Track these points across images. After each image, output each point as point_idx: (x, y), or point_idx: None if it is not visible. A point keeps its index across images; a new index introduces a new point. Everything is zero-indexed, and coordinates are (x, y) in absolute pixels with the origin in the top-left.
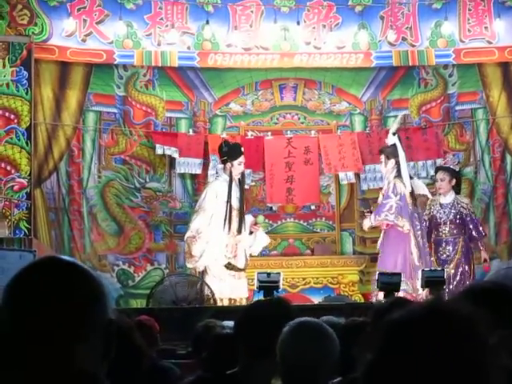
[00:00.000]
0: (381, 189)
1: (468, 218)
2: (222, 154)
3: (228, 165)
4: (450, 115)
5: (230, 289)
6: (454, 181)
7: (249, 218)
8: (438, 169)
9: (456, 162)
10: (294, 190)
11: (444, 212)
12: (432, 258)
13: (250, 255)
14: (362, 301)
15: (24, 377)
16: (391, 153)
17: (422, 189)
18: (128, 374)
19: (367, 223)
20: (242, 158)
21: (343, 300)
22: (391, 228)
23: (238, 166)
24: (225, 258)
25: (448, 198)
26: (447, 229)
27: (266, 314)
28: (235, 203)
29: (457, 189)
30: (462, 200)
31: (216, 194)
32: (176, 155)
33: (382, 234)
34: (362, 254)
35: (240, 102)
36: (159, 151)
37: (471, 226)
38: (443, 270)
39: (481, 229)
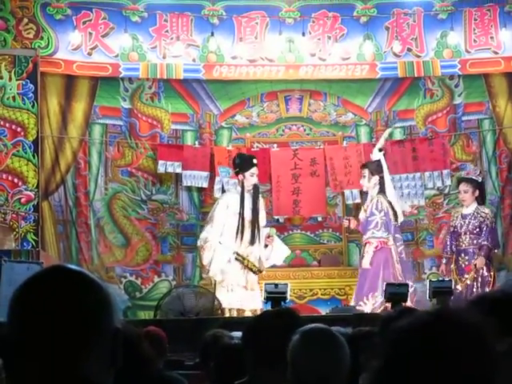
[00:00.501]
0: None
1: (486, 228)
2: (235, 166)
3: (240, 176)
4: (456, 126)
5: (241, 300)
6: (477, 192)
7: (265, 231)
8: (461, 180)
9: (478, 172)
10: (300, 201)
11: (465, 222)
12: (452, 266)
13: (273, 266)
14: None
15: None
16: (375, 169)
17: (403, 207)
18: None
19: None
20: (254, 170)
21: (350, 311)
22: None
23: (249, 177)
24: (233, 253)
25: (470, 208)
26: (467, 239)
27: (274, 324)
28: (248, 214)
29: (480, 199)
30: (483, 210)
31: (227, 205)
32: (179, 170)
33: (369, 251)
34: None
35: (246, 113)
36: (161, 169)
37: (484, 232)
38: (450, 280)
39: (489, 238)
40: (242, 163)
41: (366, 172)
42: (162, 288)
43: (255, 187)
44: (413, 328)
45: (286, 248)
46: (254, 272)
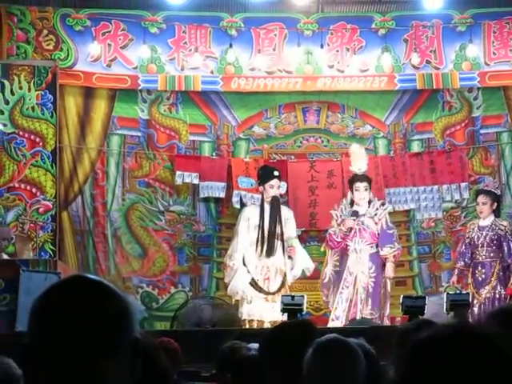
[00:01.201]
0: (406, 213)
1: (504, 241)
2: (258, 178)
3: (260, 188)
4: (474, 139)
5: (260, 311)
6: (495, 204)
7: (295, 242)
8: (479, 192)
9: (497, 184)
10: (317, 214)
11: (481, 234)
12: (469, 280)
13: (295, 277)
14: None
15: None
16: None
17: None
18: None
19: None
20: (274, 182)
21: (368, 323)
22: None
23: (269, 189)
24: (250, 278)
25: (487, 220)
26: (484, 251)
27: (290, 335)
28: (267, 227)
29: (497, 212)
30: (501, 223)
31: (248, 218)
32: (196, 181)
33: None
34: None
35: (263, 125)
36: (179, 180)
37: (506, 248)
38: (468, 293)
39: None
40: (262, 175)
41: (367, 185)
42: (178, 299)
43: (274, 199)
44: (431, 340)
45: (308, 258)
46: (268, 294)
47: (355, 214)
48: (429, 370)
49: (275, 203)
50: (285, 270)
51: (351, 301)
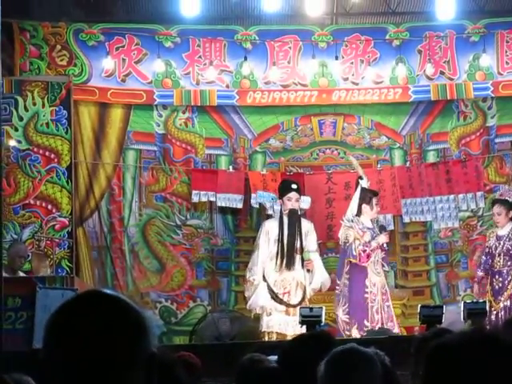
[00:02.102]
0: (423, 223)
1: None
2: (279, 191)
3: (279, 201)
4: (489, 148)
5: (278, 323)
6: (511, 213)
7: (313, 255)
8: (494, 202)
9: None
10: (334, 226)
11: (499, 244)
12: (488, 288)
13: (319, 290)
14: (405, 334)
15: None
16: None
17: None
18: None
19: None
20: (292, 194)
21: (386, 333)
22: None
23: (287, 201)
24: (271, 292)
25: (505, 229)
26: (501, 260)
27: (309, 347)
28: (285, 239)
29: None
30: None
31: (267, 232)
32: (213, 199)
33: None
34: (404, 288)
35: (279, 138)
36: (195, 198)
37: None
38: (485, 302)
39: None
40: (281, 188)
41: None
42: (197, 313)
43: (291, 212)
44: (452, 345)
45: (324, 272)
46: (289, 306)
47: (383, 228)
48: (450, 374)
49: (293, 216)
50: (305, 284)
51: (381, 312)
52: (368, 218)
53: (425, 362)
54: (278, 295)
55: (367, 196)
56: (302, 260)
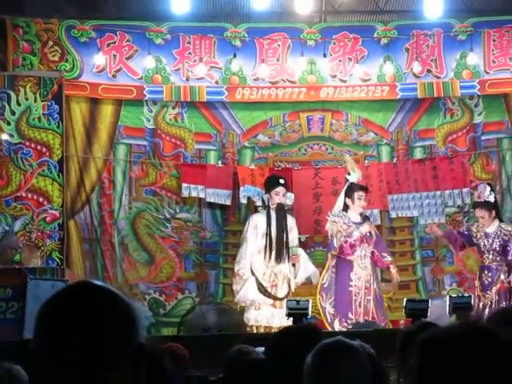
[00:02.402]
0: (410, 218)
1: (510, 245)
2: (265, 187)
3: (267, 196)
4: (475, 145)
5: (267, 317)
6: (494, 212)
7: (300, 250)
8: (475, 206)
9: (488, 190)
10: (321, 221)
11: (488, 241)
12: (476, 283)
13: (304, 283)
14: (391, 327)
15: None
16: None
17: None
18: None
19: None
20: (278, 189)
21: (372, 326)
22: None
23: (274, 196)
24: (260, 285)
25: (492, 227)
26: (490, 256)
27: (296, 339)
28: (274, 234)
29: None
30: (506, 228)
31: (255, 225)
32: (202, 194)
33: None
34: (390, 282)
35: (268, 133)
36: (185, 192)
37: (509, 251)
38: (470, 296)
39: None
40: (269, 183)
41: (365, 194)
42: (185, 305)
43: (278, 206)
44: (441, 337)
45: (311, 266)
46: (276, 299)
47: (367, 218)
48: (436, 362)
49: (281, 210)
50: (290, 278)
51: (366, 305)
52: (355, 213)
53: (417, 354)
54: (267, 288)
55: (351, 190)
56: (288, 254)
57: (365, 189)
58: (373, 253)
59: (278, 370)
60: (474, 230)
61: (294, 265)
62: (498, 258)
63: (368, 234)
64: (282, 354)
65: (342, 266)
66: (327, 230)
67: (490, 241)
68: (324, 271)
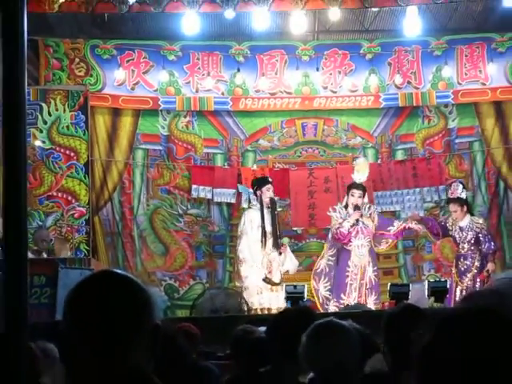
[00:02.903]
0: (393, 212)
1: (482, 236)
2: (253, 186)
3: (258, 192)
4: (450, 147)
5: (268, 300)
6: (465, 207)
7: (285, 241)
8: (449, 201)
9: (461, 188)
10: (315, 215)
11: (463, 234)
12: (453, 270)
13: (286, 272)
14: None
15: (86, 371)
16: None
17: None
18: (173, 371)
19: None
20: (269, 186)
21: (361, 308)
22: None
23: (266, 191)
24: (263, 274)
25: (465, 221)
26: (466, 246)
27: (294, 319)
28: (268, 226)
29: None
30: (478, 221)
31: (251, 220)
32: (209, 195)
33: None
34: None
35: (268, 138)
36: (194, 194)
37: (483, 242)
38: (446, 280)
39: (492, 244)
40: (258, 182)
41: (361, 192)
42: (196, 290)
43: (271, 200)
44: (455, 315)
45: (295, 260)
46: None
47: (357, 207)
48: (449, 340)
49: (273, 204)
50: (280, 264)
51: (359, 289)
52: (352, 207)
53: (434, 332)
54: (266, 275)
55: (349, 188)
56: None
57: (359, 187)
58: (375, 235)
59: (278, 346)
60: (450, 223)
61: (280, 253)
62: (473, 248)
63: (361, 223)
64: (281, 333)
65: (341, 255)
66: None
67: (465, 233)
68: (319, 259)
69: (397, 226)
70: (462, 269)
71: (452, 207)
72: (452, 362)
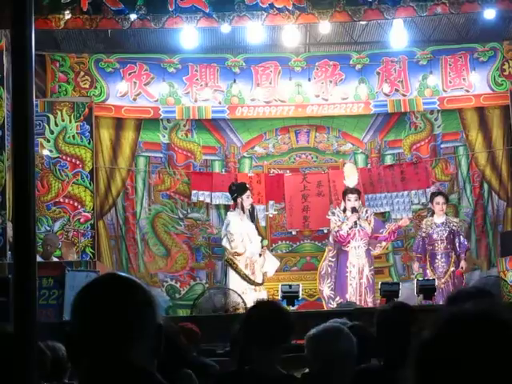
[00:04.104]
0: (383, 214)
1: (456, 235)
2: (232, 193)
3: (239, 200)
4: (436, 152)
5: (252, 300)
6: (445, 205)
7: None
8: (437, 194)
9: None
10: (309, 217)
11: (439, 231)
12: (428, 270)
13: (265, 273)
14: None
15: (92, 369)
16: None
17: None
18: (174, 368)
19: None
20: (248, 193)
21: (353, 306)
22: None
23: (246, 199)
24: (244, 275)
25: (441, 218)
26: (442, 245)
27: (262, 313)
28: (249, 230)
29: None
30: (453, 219)
31: (233, 222)
32: (208, 200)
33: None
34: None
35: (263, 145)
36: (194, 198)
37: (457, 240)
38: (434, 279)
39: (465, 242)
40: (237, 189)
41: (357, 196)
42: (196, 290)
43: (252, 206)
44: (456, 316)
45: (276, 260)
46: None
47: (355, 210)
48: (449, 340)
49: (253, 210)
50: (261, 265)
51: (360, 289)
52: (349, 211)
53: (431, 328)
54: (250, 276)
55: (344, 193)
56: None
57: (354, 191)
58: (371, 237)
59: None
60: (424, 226)
61: (260, 255)
62: (448, 246)
63: (359, 226)
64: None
65: (341, 256)
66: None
67: (440, 230)
68: (321, 261)
69: (388, 227)
70: (439, 268)
71: (439, 198)
72: (452, 363)
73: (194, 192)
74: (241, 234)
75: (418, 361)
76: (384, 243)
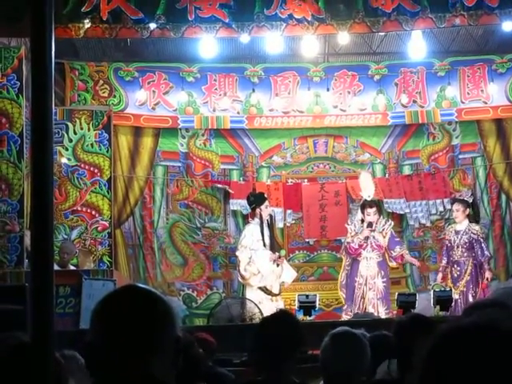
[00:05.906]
0: (400, 224)
1: (476, 243)
2: (250, 203)
3: (257, 210)
4: (454, 162)
5: (269, 310)
6: (467, 210)
7: (282, 253)
8: (454, 201)
9: (470, 194)
10: (326, 227)
11: (457, 237)
12: (449, 281)
13: (282, 284)
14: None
15: (111, 380)
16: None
17: None
18: (189, 379)
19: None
20: (266, 203)
21: (369, 316)
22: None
23: (265, 209)
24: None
25: (462, 225)
26: (459, 252)
27: (275, 325)
28: (267, 241)
29: (472, 218)
30: (474, 227)
31: (252, 233)
32: (245, 211)
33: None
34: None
35: (281, 155)
36: (233, 207)
37: (478, 249)
38: (451, 290)
39: (486, 252)
40: (256, 200)
41: (376, 209)
42: (213, 299)
43: (271, 216)
44: (458, 329)
45: (293, 270)
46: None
47: (370, 225)
48: (452, 355)
49: (272, 219)
50: (278, 276)
51: (363, 298)
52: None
53: (433, 342)
54: (267, 287)
55: (363, 207)
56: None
57: (372, 204)
58: (384, 254)
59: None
60: (446, 232)
61: (278, 265)
62: (466, 254)
63: (372, 238)
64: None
65: (352, 266)
66: None
67: (460, 237)
68: (341, 271)
69: (398, 251)
70: (456, 275)
71: (455, 206)
72: (453, 375)
73: (232, 201)
74: (252, 249)
75: (420, 372)
76: (394, 263)
